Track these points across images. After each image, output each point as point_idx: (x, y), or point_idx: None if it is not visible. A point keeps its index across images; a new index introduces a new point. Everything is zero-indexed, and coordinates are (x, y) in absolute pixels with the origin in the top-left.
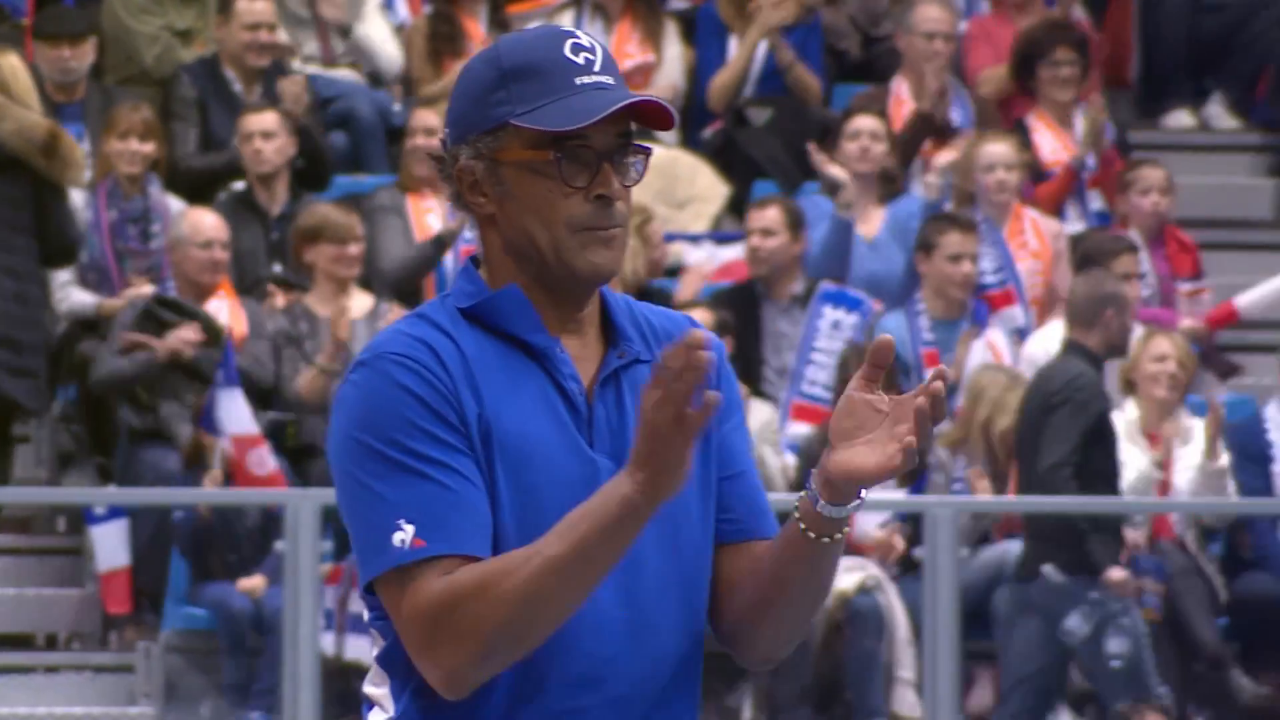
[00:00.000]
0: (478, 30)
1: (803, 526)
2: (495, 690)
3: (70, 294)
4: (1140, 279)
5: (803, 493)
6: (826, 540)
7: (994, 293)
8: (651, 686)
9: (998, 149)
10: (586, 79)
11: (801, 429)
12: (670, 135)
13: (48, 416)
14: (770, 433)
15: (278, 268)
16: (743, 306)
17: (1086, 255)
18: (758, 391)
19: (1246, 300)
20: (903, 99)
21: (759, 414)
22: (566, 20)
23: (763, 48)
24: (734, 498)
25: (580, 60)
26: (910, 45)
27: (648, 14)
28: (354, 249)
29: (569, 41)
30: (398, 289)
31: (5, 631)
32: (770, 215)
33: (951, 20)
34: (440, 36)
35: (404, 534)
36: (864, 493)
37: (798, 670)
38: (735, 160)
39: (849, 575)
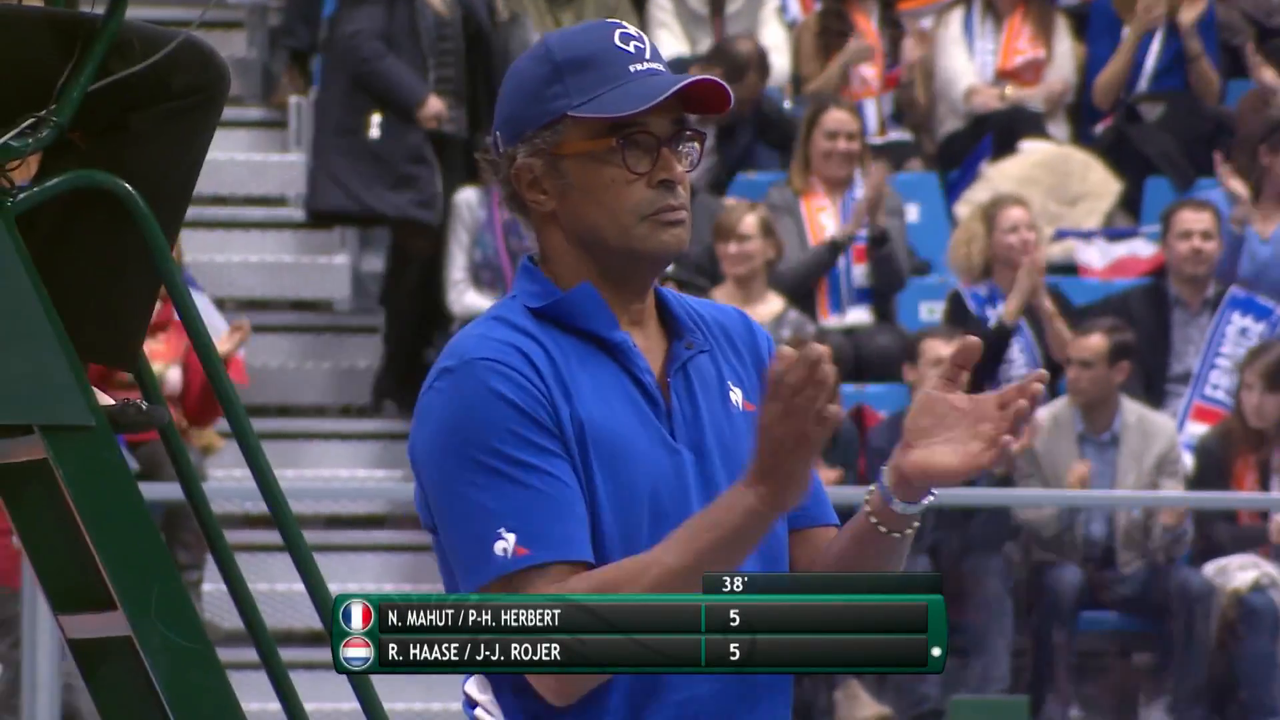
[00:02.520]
0: (869, 26)
1: (874, 521)
2: (614, 690)
3: (464, 294)
4: None
5: (873, 487)
6: (897, 535)
7: None
8: None
9: None
10: (640, 66)
11: (1200, 429)
12: (1062, 131)
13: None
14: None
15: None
16: (1154, 310)
17: None
18: (1158, 396)
19: None
20: None
21: (1163, 433)
22: (956, 18)
23: (1155, 43)
24: None
25: (631, 49)
26: None
27: (1039, 10)
28: (732, 247)
29: (617, 32)
30: (792, 291)
31: None
32: (1207, 218)
33: None
34: (831, 33)
35: (505, 543)
36: (935, 490)
37: (1193, 669)
38: (1127, 157)
39: (1243, 573)
